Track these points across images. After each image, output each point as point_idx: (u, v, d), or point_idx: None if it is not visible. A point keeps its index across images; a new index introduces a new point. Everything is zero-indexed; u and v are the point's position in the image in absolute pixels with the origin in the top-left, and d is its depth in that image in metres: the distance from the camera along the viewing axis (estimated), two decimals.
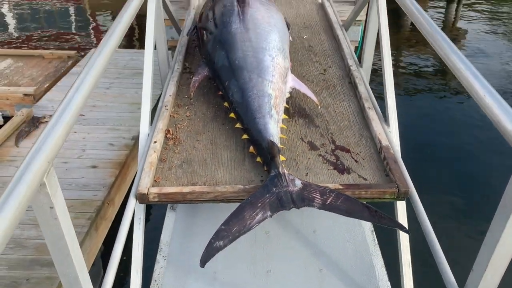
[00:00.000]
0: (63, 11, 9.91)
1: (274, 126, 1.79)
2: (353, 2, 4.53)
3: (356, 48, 4.22)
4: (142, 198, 1.63)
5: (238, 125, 1.89)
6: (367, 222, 2.09)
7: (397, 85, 6.41)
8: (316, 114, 2.08)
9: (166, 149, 1.86)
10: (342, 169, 1.74)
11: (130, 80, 5.36)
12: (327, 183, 1.64)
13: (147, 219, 1.83)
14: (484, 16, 9.73)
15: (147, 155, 1.78)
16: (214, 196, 1.63)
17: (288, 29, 2.49)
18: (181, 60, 2.52)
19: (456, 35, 8.93)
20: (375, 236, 2.03)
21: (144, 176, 1.67)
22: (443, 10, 10.31)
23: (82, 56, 6.13)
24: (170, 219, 2.12)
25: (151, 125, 1.97)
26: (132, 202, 1.63)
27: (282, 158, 1.70)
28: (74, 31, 8.78)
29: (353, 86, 2.27)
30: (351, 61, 2.45)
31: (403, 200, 1.67)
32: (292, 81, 2.06)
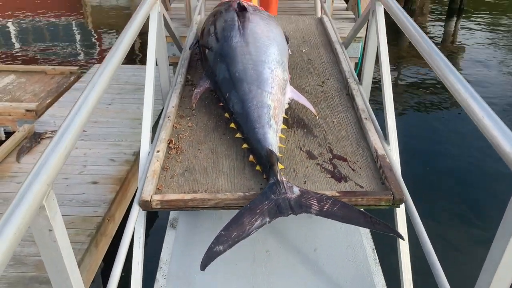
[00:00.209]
0: (66, 27, 10.02)
1: (273, 136, 1.84)
2: (353, 19, 4.57)
3: (356, 64, 4.25)
4: (145, 205, 1.67)
5: (238, 135, 1.95)
6: (369, 241, 2.08)
7: (396, 98, 6.38)
8: (314, 124, 2.14)
9: (168, 158, 1.91)
10: (339, 177, 1.79)
11: (132, 95, 5.40)
12: (325, 191, 1.69)
13: (146, 236, 1.82)
14: (483, 29, 9.80)
15: (150, 164, 1.83)
16: (215, 203, 1.68)
17: (287, 43, 2.55)
18: (184, 73, 2.59)
19: (456, 49, 8.98)
20: (376, 255, 2.02)
21: (147, 184, 1.72)
22: (443, 24, 10.40)
23: (84, 72, 6.17)
24: (170, 237, 2.11)
25: (151, 143, 1.97)
26: (134, 212, 1.66)
27: (280, 166, 1.76)
28: (76, 47, 8.86)
29: (351, 97, 2.33)
30: (349, 74, 2.51)
31: (398, 207, 1.71)
32: (291, 93, 2.12)
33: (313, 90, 2.46)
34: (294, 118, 2.18)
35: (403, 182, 1.73)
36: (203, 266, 1.50)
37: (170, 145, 1.99)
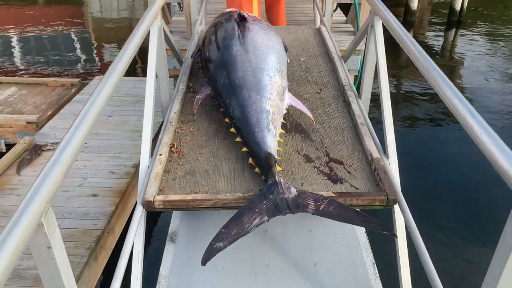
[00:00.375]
0: (68, 39, 10.09)
1: (271, 139, 1.91)
2: (352, 32, 4.60)
3: (356, 77, 4.27)
4: (148, 205, 1.72)
5: (238, 139, 2.01)
6: (369, 255, 2.08)
7: (396, 110, 6.40)
8: (311, 129, 2.21)
9: (170, 161, 1.98)
10: (335, 179, 1.85)
11: (133, 107, 5.42)
12: (321, 192, 1.74)
13: (145, 252, 1.82)
14: (482, 40, 9.86)
15: (153, 166, 1.88)
16: (216, 203, 1.74)
17: (286, 51, 2.62)
18: (185, 81, 2.66)
19: (455, 60, 9.03)
20: (376, 270, 2.01)
21: (150, 185, 1.78)
22: (442, 35, 10.46)
23: (86, 84, 6.20)
24: (169, 251, 2.11)
25: (151, 157, 1.98)
26: (138, 213, 1.70)
27: (279, 168, 1.82)
28: (78, 59, 8.91)
29: (347, 104, 2.41)
30: (345, 81, 2.59)
31: (392, 207, 1.77)
32: (289, 99, 2.19)
33: (311, 97, 2.54)
34: (292, 123, 2.25)
35: (396, 183, 1.79)
36: (204, 262, 1.55)
37: (172, 149, 2.05)
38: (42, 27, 10.76)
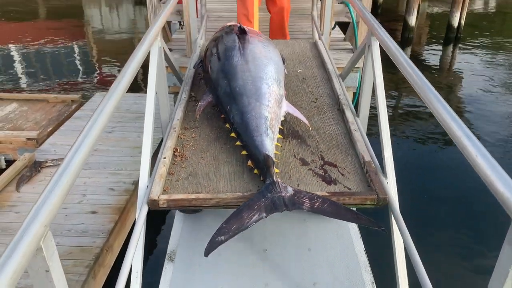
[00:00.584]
0: (69, 55, 10.17)
1: (269, 143, 2.02)
2: (350, 49, 4.64)
3: (354, 94, 4.29)
4: (153, 204, 1.82)
5: (238, 143, 2.12)
6: (368, 274, 2.08)
7: (394, 126, 6.40)
8: (307, 135, 2.33)
9: (174, 164, 2.08)
10: (329, 181, 1.96)
11: (133, 123, 5.44)
12: (316, 192, 1.85)
13: (144, 270, 1.82)
14: (480, 56, 9.93)
15: (157, 168, 1.99)
16: (216, 202, 1.84)
17: (284, 63, 2.74)
18: (188, 90, 2.79)
19: (453, 76, 9.09)
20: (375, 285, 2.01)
21: (154, 185, 1.87)
22: (440, 52, 10.54)
23: (86, 100, 6.23)
24: (168, 271, 2.10)
25: (150, 176, 1.99)
26: (143, 213, 1.76)
27: (276, 170, 1.92)
28: (79, 75, 8.97)
29: (341, 112, 2.53)
30: (340, 91, 2.73)
31: (382, 206, 1.85)
32: (287, 107, 2.31)
33: (307, 105, 2.67)
34: (289, 130, 2.38)
35: (386, 184, 1.90)
36: (206, 253, 1.67)
37: (176, 153, 2.17)
38: (43, 42, 10.86)
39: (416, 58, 10.14)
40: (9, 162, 4.84)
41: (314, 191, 1.84)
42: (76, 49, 10.53)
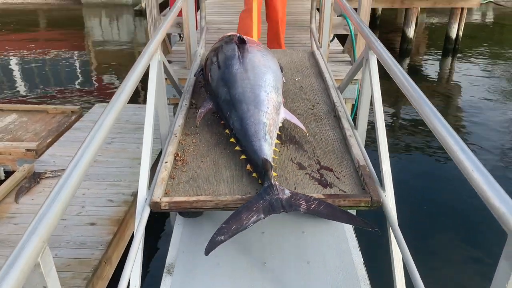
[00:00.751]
0: (69, 66, 10.21)
1: (268, 148, 2.09)
2: (349, 61, 4.68)
3: (353, 106, 4.31)
4: (155, 206, 1.88)
5: (237, 148, 2.19)
6: (367, 285, 2.07)
7: (393, 138, 6.41)
8: (304, 141, 2.40)
9: (175, 169, 2.15)
10: (325, 184, 2.03)
11: (132, 134, 5.44)
12: (312, 194, 1.91)
13: (142, 282, 1.81)
14: (478, 67, 9.99)
15: (159, 172, 2.05)
16: (216, 204, 1.90)
17: (282, 71, 2.82)
18: (189, 98, 2.88)
19: (451, 87, 9.13)
20: None
21: (156, 188, 1.94)
22: (438, 63, 10.60)
23: (86, 111, 6.25)
24: (166, 285, 2.09)
25: (149, 189, 1.99)
26: (145, 214, 1.81)
27: (274, 173, 1.99)
28: (79, 86, 9.00)
29: (337, 118, 2.62)
30: (336, 99, 2.82)
31: (376, 208, 1.92)
32: (284, 113, 2.39)
33: (304, 112, 2.75)
34: (287, 136, 2.45)
35: (380, 187, 1.97)
36: (207, 252, 1.73)
37: (177, 158, 2.23)
38: (43, 53, 10.92)
39: (415, 69, 10.20)
40: (8, 173, 4.84)
41: (310, 194, 1.90)
42: (76, 60, 10.58)
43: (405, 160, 6.02)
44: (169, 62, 4.76)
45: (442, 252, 4.30)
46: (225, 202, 1.90)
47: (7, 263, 0.90)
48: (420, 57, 11.05)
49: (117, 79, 9.31)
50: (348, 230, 2.34)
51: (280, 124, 2.34)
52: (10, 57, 10.72)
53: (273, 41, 4.77)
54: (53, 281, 1.06)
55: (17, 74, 9.72)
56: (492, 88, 8.68)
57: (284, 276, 2.16)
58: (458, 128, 6.95)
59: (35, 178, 4.36)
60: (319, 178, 2.07)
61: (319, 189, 1.99)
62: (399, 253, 1.77)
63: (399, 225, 1.80)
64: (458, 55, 10.74)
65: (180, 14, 4.02)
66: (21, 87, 8.88)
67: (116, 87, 8.72)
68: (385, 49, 2.06)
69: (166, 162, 2.13)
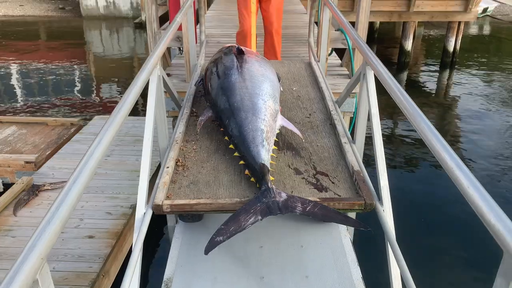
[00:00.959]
0: (69, 78, 10.25)
1: (265, 154, 2.16)
2: (347, 75, 4.71)
3: (351, 119, 4.34)
4: (157, 208, 1.95)
5: (236, 154, 2.26)
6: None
7: (391, 151, 6.40)
8: (301, 147, 2.47)
9: (176, 174, 2.22)
10: (321, 188, 2.09)
11: (131, 147, 5.46)
12: (308, 198, 1.97)
13: None
14: (476, 79, 10.05)
15: (161, 177, 2.11)
16: (216, 206, 1.97)
17: (279, 81, 2.91)
18: (189, 106, 2.97)
19: (449, 99, 9.18)
20: None
21: (159, 192, 2.00)
22: (436, 75, 10.67)
23: (85, 124, 6.26)
24: None
25: (147, 203, 1.99)
26: (144, 228, 1.83)
27: (271, 178, 2.05)
28: (79, 98, 9.03)
29: (333, 126, 2.70)
30: (332, 107, 2.90)
31: (369, 211, 1.98)
32: (282, 121, 2.46)
33: (301, 120, 2.82)
34: (284, 143, 2.51)
35: (374, 191, 2.03)
36: (206, 251, 1.80)
37: (178, 163, 2.30)
38: (43, 65, 10.97)
39: (413, 82, 10.27)
40: (7, 186, 4.84)
41: (306, 197, 1.96)
42: (76, 72, 10.64)
43: (403, 174, 6.03)
44: (169, 75, 4.79)
45: (440, 268, 4.29)
46: (224, 205, 1.97)
47: (5, 280, 0.91)
48: (418, 70, 11.12)
49: (117, 92, 9.35)
50: (347, 244, 2.34)
51: (278, 131, 2.41)
52: (10, 69, 10.76)
53: (269, 52, 4.86)
54: None
55: (17, 86, 9.76)
56: (490, 101, 8.73)
57: None
58: (456, 140, 6.98)
59: (33, 190, 4.36)
60: (315, 182, 2.14)
61: (315, 193, 2.06)
62: (397, 269, 1.77)
63: (397, 239, 1.80)
64: (456, 67, 10.82)
65: (180, 28, 4.06)
66: (20, 99, 8.91)
67: (116, 100, 8.76)
68: (382, 65, 2.08)
69: (167, 167, 2.20)
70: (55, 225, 1.07)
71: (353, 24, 4.02)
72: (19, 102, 8.72)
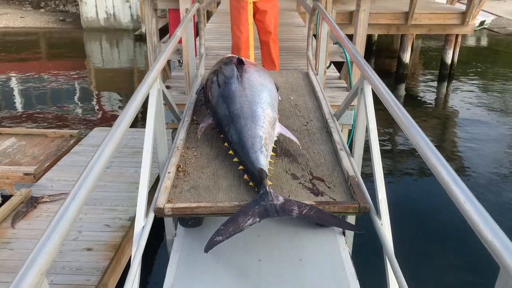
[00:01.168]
0: (69, 90, 10.28)
1: (263, 159, 2.23)
2: (345, 87, 4.75)
3: (350, 132, 4.36)
4: (159, 211, 2.02)
5: (235, 159, 2.34)
6: None
7: (390, 162, 6.40)
8: (298, 154, 2.56)
9: (177, 179, 2.29)
10: (317, 193, 2.17)
11: (130, 158, 5.46)
12: (305, 201, 2.04)
13: None
14: (474, 92, 10.11)
15: (162, 181, 2.19)
16: (216, 210, 2.04)
17: (277, 90, 3.00)
18: (190, 114, 3.07)
19: (447, 111, 9.22)
20: None
21: (160, 196, 2.08)
22: (434, 87, 10.72)
23: (84, 135, 6.27)
24: None
25: (146, 217, 2.00)
26: (142, 242, 1.86)
27: (269, 182, 2.12)
28: (78, 110, 9.05)
29: (329, 134, 2.79)
30: (328, 116, 3.00)
31: (363, 214, 2.06)
32: (279, 128, 2.54)
33: (299, 128, 2.92)
34: (282, 150, 2.60)
35: (368, 195, 2.11)
36: (206, 250, 1.90)
37: (179, 169, 2.37)
38: (43, 77, 11.01)
39: (411, 94, 10.32)
40: (5, 197, 4.83)
41: (303, 201, 2.03)
42: (76, 84, 10.68)
43: (401, 186, 6.03)
44: (168, 87, 4.82)
45: (439, 282, 4.27)
46: (224, 208, 2.03)
47: None
48: (416, 82, 11.19)
49: (116, 104, 9.39)
50: (345, 257, 2.34)
51: (276, 138, 2.48)
52: (10, 80, 10.81)
53: (268, 62, 4.92)
54: None
55: (16, 97, 9.79)
56: (488, 112, 8.78)
57: None
58: (455, 151, 7.00)
59: (32, 202, 4.35)
60: (311, 187, 2.22)
61: (311, 197, 2.13)
62: (395, 284, 1.77)
63: (395, 251, 1.80)
64: (454, 79, 10.88)
65: (180, 41, 4.10)
66: (20, 110, 8.93)
67: (116, 112, 8.79)
68: (379, 79, 2.11)
69: (169, 173, 2.26)
70: (55, 240, 1.08)
71: (351, 36, 4.07)
72: (19, 114, 8.74)
